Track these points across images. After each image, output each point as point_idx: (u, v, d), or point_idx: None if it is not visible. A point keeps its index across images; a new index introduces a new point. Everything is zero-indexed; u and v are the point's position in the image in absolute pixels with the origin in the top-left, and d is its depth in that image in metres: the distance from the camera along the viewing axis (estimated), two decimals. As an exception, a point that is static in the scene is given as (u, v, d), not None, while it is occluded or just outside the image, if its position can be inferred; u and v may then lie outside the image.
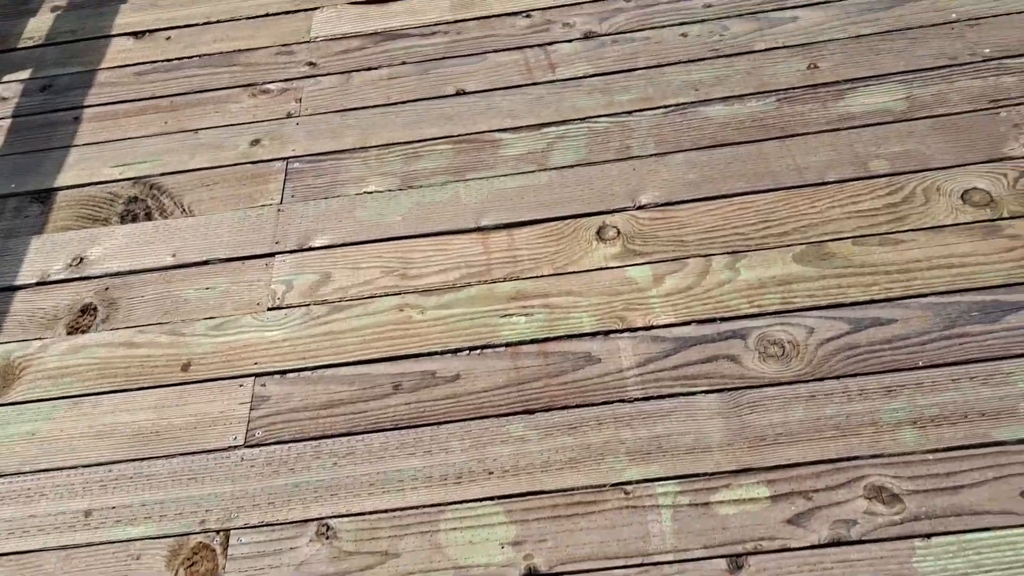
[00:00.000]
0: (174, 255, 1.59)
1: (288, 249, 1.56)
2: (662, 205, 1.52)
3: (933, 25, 1.71)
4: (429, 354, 1.38)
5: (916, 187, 1.46)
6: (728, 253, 1.43)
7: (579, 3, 1.94)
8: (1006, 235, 1.37)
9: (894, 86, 1.62)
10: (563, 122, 1.69)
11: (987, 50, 1.65)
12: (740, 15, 1.82)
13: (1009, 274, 1.32)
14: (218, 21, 2.05)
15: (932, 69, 1.63)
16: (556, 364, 1.34)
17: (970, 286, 1.32)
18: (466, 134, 1.71)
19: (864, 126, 1.57)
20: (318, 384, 1.37)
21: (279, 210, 1.62)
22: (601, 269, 1.45)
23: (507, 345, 1.37)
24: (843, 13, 1.78)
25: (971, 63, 1.63)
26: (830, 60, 1.69)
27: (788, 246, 1.42)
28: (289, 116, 1.80)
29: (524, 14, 1.94)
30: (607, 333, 1.36)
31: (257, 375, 1.40)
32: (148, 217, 1.66)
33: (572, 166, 1.62)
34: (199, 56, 1.97)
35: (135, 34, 2.06)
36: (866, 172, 1.50)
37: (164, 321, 1.49)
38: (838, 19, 1.77)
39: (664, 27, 1.84)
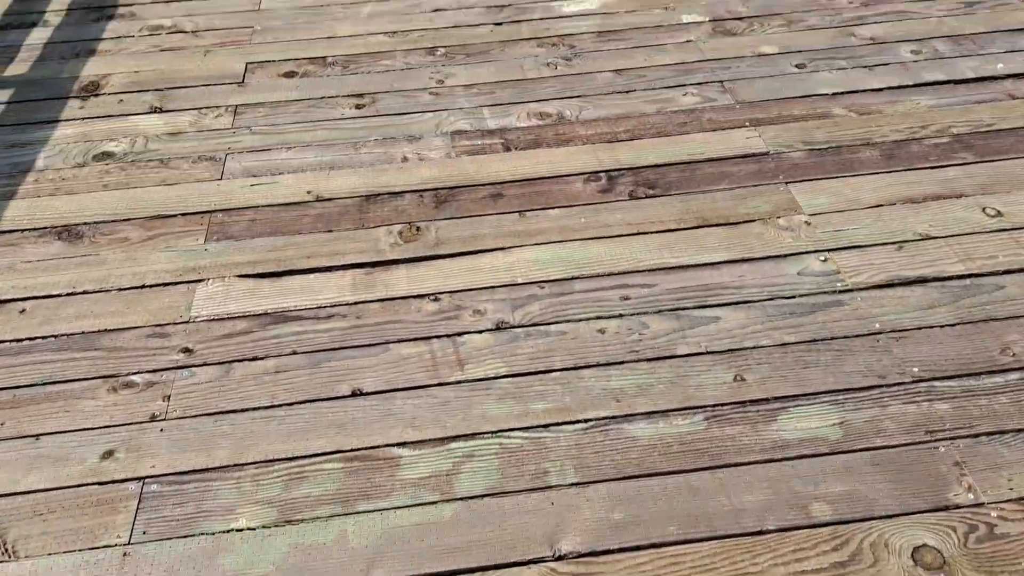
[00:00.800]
0: (-19, 618, 1.27)
1: (130, 612, 1.27)
2: (585, 555, 1.32)
3: (858, 336, 1.65)
4: None
5: (863, 541, 1.31)
6: (663, 627, 1.23)
7: (491, 286, 1.81)
8: (968, 611, 1.23)
9: (826, 408, 1.52)
10: (472, 436, 1.51)
11: (916, 369, 1.58)
12: (659, 311, 1.73)
13: (980, 668, 1.17)
14: (84, 292, 1.83)
15: (863, 390, 1.55)
16: None
17: None
18: (360, 449, 1.49)
19: (800, 457, 1.44)
20: None
21: (125, 554, 1.33)
22: (515, 647, 1.22)
23: None
24: (764, 316, 1.71)
25: (901, 384, 1.55)
26: (757, 372, 1.59)
27: (730, 618, 1.23)
28: (153, 419, 1.55)
29: (432, 297, 1.80)
30: None
31: None
32: (-44, 559, 1.35)
33: (481, 496, 1.41)
34: (56, 336, 1.73)
35: (-16, 304, 1.82)
36: (807, 519, 1.35)
37: None
38: (760, 322, 1.70)
39: (580, 320, 1.72)
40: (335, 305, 1.78)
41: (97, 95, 2.51)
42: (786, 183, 2.05)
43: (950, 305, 1.71)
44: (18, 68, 2.66)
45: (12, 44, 2.78)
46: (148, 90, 2.51)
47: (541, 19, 2.81)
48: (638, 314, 1.73)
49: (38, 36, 2.82)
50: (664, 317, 1.72)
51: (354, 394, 1.59)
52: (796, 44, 2.60)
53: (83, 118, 2.40)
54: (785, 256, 1.84)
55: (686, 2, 2.87)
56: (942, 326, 1.66)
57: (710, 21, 2.75)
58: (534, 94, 2.44)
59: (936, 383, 1.55)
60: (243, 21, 2.87)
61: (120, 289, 1.83)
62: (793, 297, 1.74)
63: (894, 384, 1.55)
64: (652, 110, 2.35)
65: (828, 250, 1.85)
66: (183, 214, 2.04)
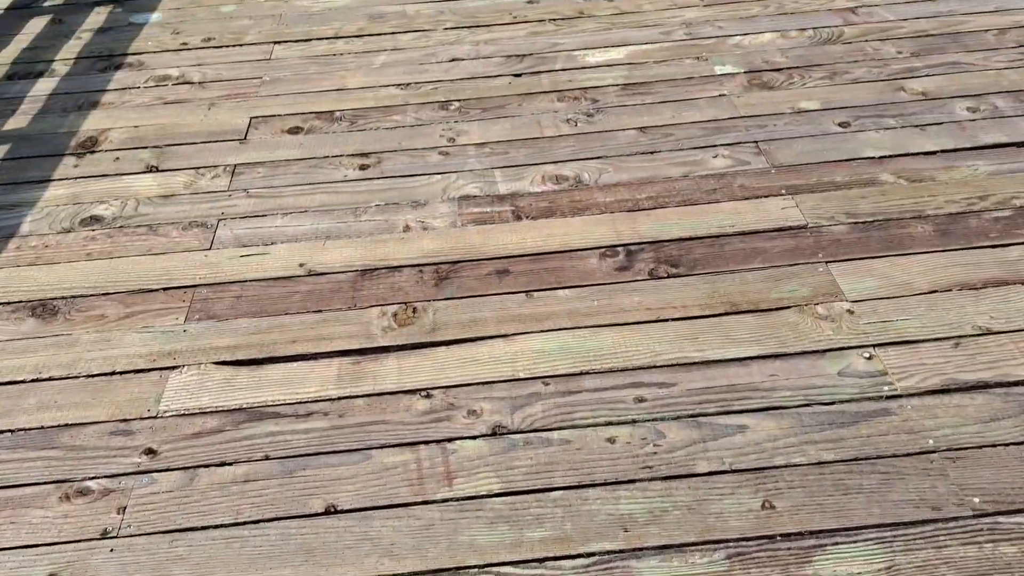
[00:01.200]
0: None
1: None
2: None
3: (908, 455, 1.43)
4: None
5: None
6: None
7: (489, 381, 1.63)
8: None
9: (871, 548, 1.29)
10: (456, 570, 1.31)
11: (976, 499, 1.35)
12: (678, 417, 1.53)
13: None
14: (50, 378, 1.68)
15: (914, 525, 1.32)
16: None
17: None
18: (329, 582, 1.32)
19: (838, 613, 1.23)
20: None
21: None
22: None
23: None
24: (799, 426, 1.50)
25: (959, 519, 1.32)
26: (789, 498, 1.38)
27: None
28: (104, 535, 1.39)
29: (424, 392, 1.61)
30: None
31: None
32: None
33: (462, 646, 1.23)
34: (12, 432, 1.57)
35: (-59, 393, 1.68)
36: None
37: None
38: (794, 434, 1.48)
39: (588, 426, 1.52)
40: (316, 400, 1.61)
41: (94, 152, 2.39)
42: (826, 262, 1.83)
43: (1016, 418, 1.47)
44: (18, 121, 2.56)
45: (16, 95, 2.70)
46: (146, 147, 2.39)
47: (563, 70, 2.64)
48: (654, 420, 1.52)
49: (43, 87, 2.73)
50: (683, 425, 1.51)
51: (328, 512, 1.41)
52: (839, 99, 2.39)
53: (76, 177, 2.29)
54: (824, 352, 1.62)
55: (720, 51, 2.67)
56: (1007, 444, 1.43)
57: (745, 72, 2.55)
58: (551, 154, 2.27)
59: (1001, 519, 1.31)
60: (252, 71, 2.75)
61: (89, 376, 1.68)
62: (833, 403, 1.53)
63: (951, 519, 1.32)
64: (678, 174, 2.15)
65: (873, 345, 1.63)
66: (165, 288, 1.89)
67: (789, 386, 1.56)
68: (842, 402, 1.53)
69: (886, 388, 1.54)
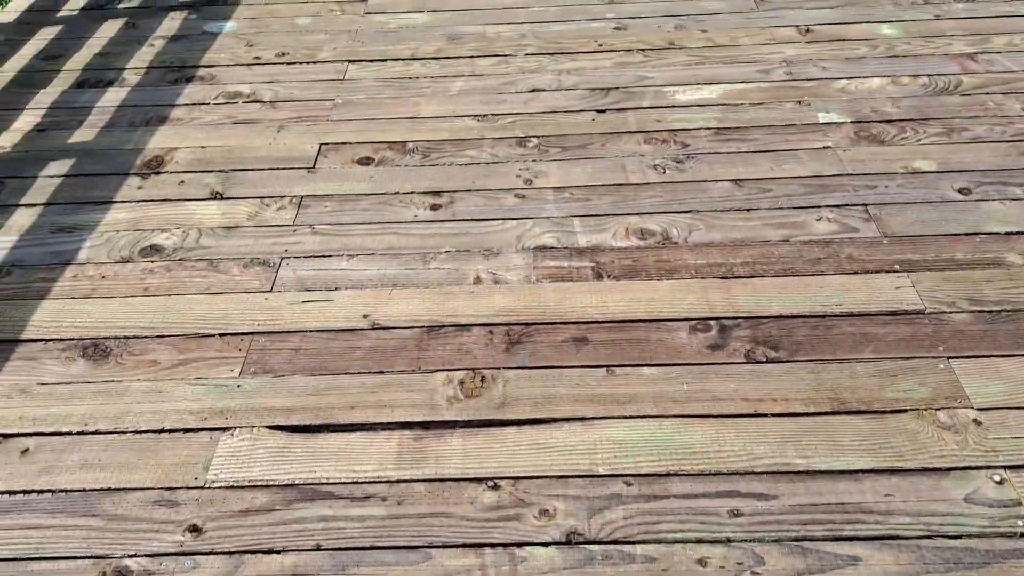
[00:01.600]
0: None
1: None
2: None
3: (1051, 614, 1.24)
4: None
5: None
6: None
7: (564, 476, 1.47)
8: None
9: None
10: None
11: None
12: (779, 540, 1.35)
13: None
14: (96, 432, 1.58)
15: None
16: None
17: None
18: None
19: None
20: None
21: None
22: None
23: None
24: (920, 562, 1.29)
25: None
26: (909, 656, 1.20)
27: None
28: (140, 628, 1.29)
29: (490, 483, 1.47)
30: None
31: None
32: None
33: None
34: (53, 492, 1.48)
35: (-17, 441, 1.59)
36: None
37: None
38: (915, 572, 1.28)
39: (676, 542, 1.36)
40: (374, 482, 1.47)
41: (159, 173, 2.30)
42: (948, 358, 1.63)
43: None
44: (85, 134, 2.50)
45: (85, 106, 2.63)
46: (212, 170, 2.30)
47: (651, 107, 2.47)
48: (752, 541, 1.35)
49: (112, 97, 2.65)
50: (786, 550, 1.33)
51: (382, 621, 1.28)
52: (958, 160, 2.17)
53: (139, 200, 2.20)
54: (948, 471, 1.43)
55: (824, 96, 2.47)
56: None
57: (852, 123, 2.34)
58: (636, 204, 2.10)
59: None
60: (325, 92, 2.64)
61: (136, 432, 1.58)
62: (959, 537, 1.33)
63: None
64: (777, 237, 1.97)
65: (1005, 467, 1.43)
66: (222, 334, 1.78)
67: (908, 511, 1.37)
68: (970, 536, 1.33)
69: (1020, 523, 1.34)
